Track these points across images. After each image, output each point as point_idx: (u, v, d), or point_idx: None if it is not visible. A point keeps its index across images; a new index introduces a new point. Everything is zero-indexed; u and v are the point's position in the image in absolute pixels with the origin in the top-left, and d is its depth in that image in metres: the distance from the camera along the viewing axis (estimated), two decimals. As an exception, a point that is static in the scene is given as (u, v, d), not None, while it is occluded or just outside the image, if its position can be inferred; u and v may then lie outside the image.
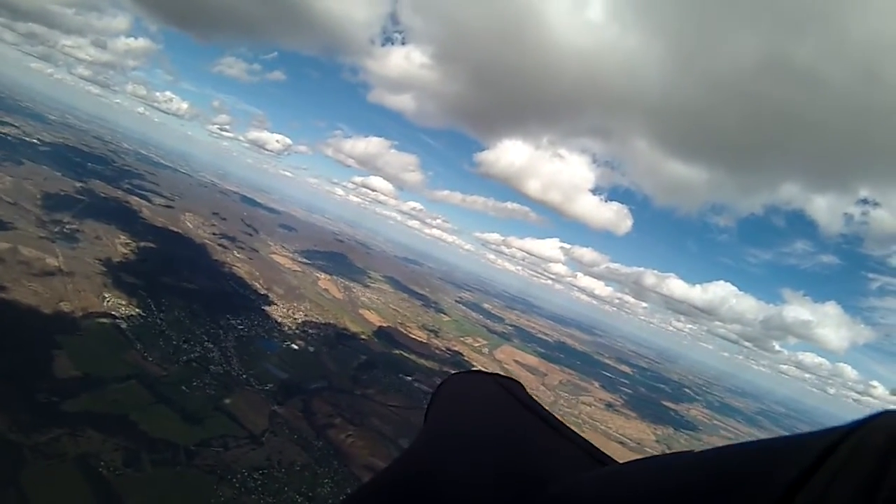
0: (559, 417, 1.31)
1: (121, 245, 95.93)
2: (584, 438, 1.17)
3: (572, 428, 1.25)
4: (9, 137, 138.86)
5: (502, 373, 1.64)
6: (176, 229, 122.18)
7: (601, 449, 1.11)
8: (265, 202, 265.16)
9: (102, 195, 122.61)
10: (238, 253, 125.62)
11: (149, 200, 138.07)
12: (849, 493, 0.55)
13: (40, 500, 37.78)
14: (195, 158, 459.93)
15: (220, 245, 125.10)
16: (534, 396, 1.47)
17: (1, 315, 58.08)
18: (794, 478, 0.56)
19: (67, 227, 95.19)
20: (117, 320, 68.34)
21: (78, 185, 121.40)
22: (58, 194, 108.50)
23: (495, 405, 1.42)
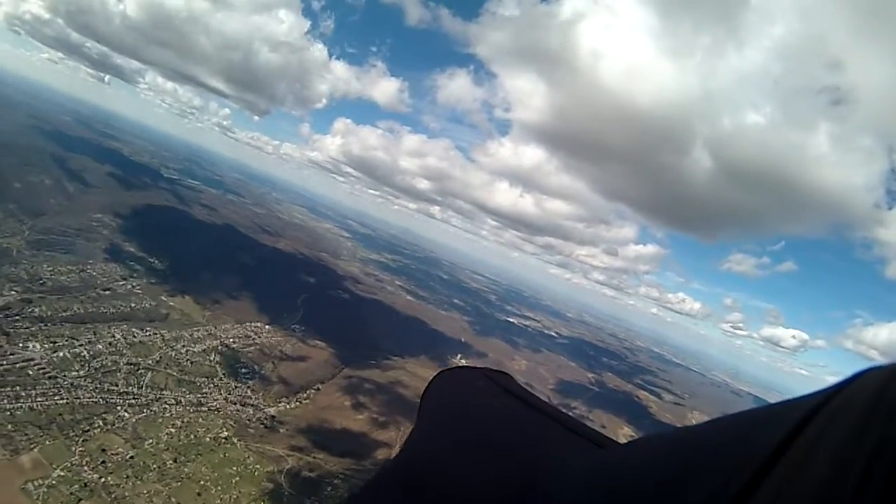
0: (554, 405, 1.29)
1: (623, 436, 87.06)
2: (581, 423, 1.14)
3: (568, 413, 1.22)
4: (529, 329, 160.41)
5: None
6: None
7: (600, 431, 1.10)
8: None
9: (613, 387, 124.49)
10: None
11: (658, 396, 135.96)
12: (835, 449, 0.55)
13: None
14: (708, 357, 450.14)
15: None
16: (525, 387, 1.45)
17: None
18: (782, 438, 0.55)
19: (574, 411, 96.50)
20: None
21: (590, 375, 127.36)
22: (571, 382, 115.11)
23: (487, 398, 1.38)
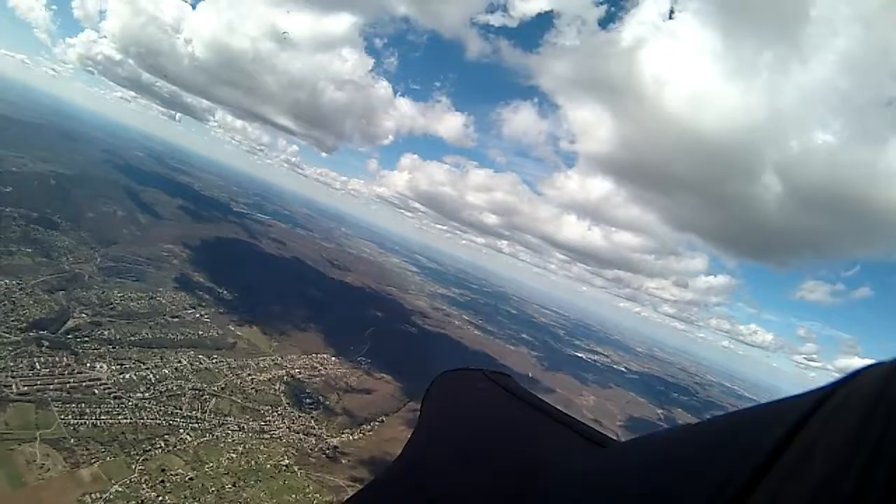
0: (554, 405, 1.29)
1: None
2: (582, 423, 1.14)
3: (569, 413, 1.22)
4: (598, 364, 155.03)
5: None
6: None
7: (601, 431, 1.10)
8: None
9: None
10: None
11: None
12: (834, 448, 0.54)
13: None
14: (781, 391, 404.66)
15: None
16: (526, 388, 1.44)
17: None
18: (781, 436, 0.55)
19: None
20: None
21: (660, 411, 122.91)
22: (640, 418, 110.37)
23: (489, 399, 1.38)
